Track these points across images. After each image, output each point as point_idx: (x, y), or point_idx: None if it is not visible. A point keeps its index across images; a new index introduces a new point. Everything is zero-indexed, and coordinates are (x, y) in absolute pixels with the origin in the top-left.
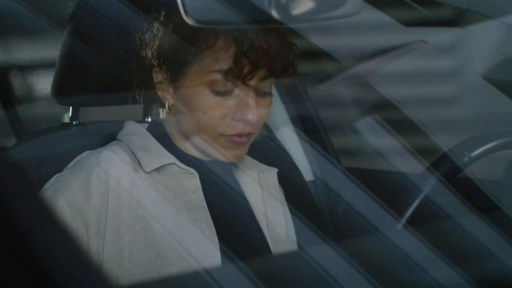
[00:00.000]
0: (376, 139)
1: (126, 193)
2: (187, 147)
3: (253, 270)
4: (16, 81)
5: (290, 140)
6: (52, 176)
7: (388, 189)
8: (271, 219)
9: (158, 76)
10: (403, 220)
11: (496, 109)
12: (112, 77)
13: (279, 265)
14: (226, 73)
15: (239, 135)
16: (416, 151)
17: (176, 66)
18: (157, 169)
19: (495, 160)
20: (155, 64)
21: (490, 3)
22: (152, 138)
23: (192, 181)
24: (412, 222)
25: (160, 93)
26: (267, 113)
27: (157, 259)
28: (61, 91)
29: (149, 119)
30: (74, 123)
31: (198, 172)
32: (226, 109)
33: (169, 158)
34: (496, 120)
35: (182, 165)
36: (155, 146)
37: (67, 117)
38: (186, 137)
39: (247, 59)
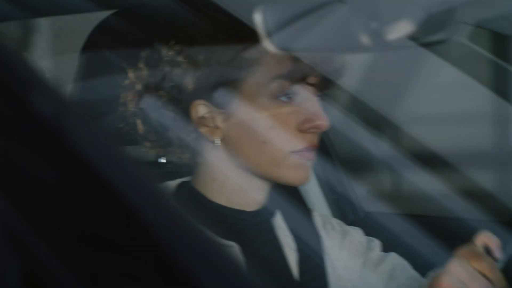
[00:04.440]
0: None
1: None
2: (229, 198)
3: None
4: None
5: None
6: None
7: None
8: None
9: (199, 111)
10: None
11: None
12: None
13: None
14: (292, 74)
15: (309, 148)
16: None
17: (225, 90)
18: None
19: None
20: (195, 97)
21: None
22: None
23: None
24: None
25: (204, 130)
26: None
27: None
28: None
29: None
30: None
31: (239, 231)
32: (295, 117)
33: None
34: None
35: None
36: None
37: None
38: (238, 177)
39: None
